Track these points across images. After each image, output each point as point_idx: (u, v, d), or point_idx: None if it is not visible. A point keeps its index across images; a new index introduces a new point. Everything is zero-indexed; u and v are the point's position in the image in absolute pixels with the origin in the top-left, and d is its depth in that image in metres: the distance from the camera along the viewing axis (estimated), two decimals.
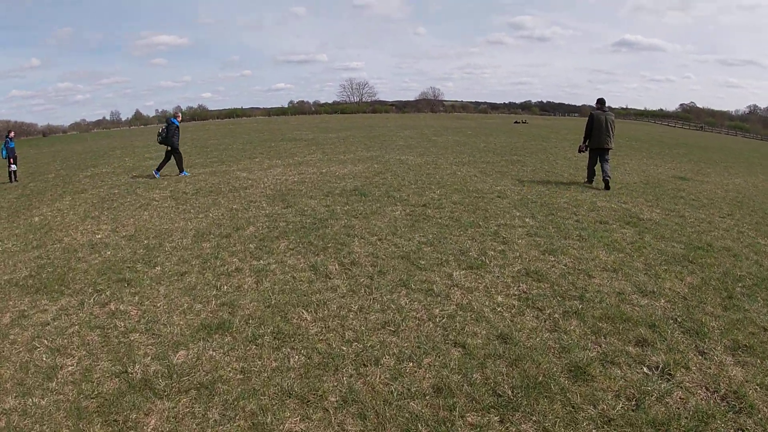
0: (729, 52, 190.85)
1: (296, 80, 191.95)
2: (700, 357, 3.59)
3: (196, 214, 8.13)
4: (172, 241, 6.59)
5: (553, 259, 5.73)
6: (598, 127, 10.34)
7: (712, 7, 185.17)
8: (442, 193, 9.31)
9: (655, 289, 4.83)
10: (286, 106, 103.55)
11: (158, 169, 12.49)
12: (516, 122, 46.90)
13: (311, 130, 31.57)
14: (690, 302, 4.57)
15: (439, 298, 4.55)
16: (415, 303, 4.44)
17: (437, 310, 4.29)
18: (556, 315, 4.26)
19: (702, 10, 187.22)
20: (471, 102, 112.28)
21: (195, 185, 10.95)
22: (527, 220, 7.50)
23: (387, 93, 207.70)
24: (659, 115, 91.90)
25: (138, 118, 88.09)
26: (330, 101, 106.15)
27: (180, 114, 12.78)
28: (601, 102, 10.69)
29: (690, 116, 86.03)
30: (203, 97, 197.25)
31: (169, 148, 12.13)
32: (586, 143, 10.63)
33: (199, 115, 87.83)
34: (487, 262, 5.55)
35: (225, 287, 4.92)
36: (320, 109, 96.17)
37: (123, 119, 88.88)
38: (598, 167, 10.71)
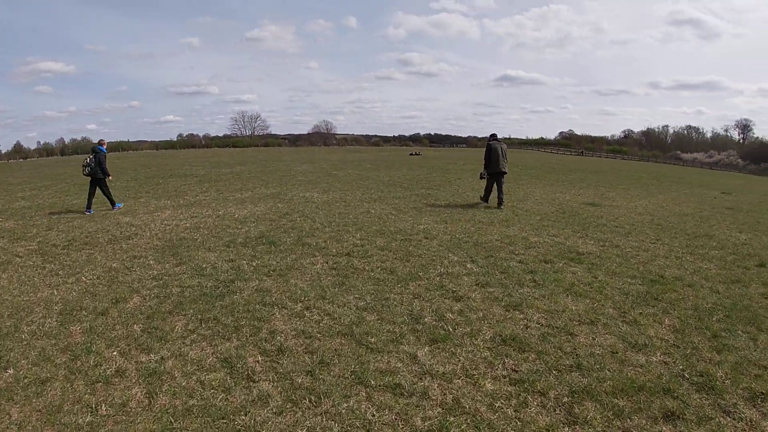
0: (604, 83, 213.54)
1: (186, 112, 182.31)
2: (729, 418, 3.26)
3: (65, 277, 6.15)
4: (32, 322, 4.67)
5: (521, 316, 4.91)
6: (495, 155, 12.25)
7: (587, 43, 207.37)
8: (363, 237, 8.24)
9: (645, 341, 4.38)
10: (175, 139, 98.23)
11: (89, 207, 11.40)
12: (411, 154, 47.70)
13: (202, 165, 28.96)
14: (684, 350, 4.23)
15: (415, 397, 3.37)
16: (386, 412, 3.19)
17: (419, 420, 3.11)
18: (565, 399, 3.40)
19: (579, 46, 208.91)
20: (362, 135, 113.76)
21: (68, 234, 8.75)
22: (468, 265, 6.71)
23: (279, 126, 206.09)
24: (541, 143, 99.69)
25: (18, 151, 77.78)
26: (221, 134, 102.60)
27: (105, 141, 12.00)
28: (494, 135, 12.79)
29: (570, 143, 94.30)
30: (88, 128, 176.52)
31: (99, 177, 11.34)
32: (485, 169, 12.55)
33: (82, 148, 79.56)
34: (451, 330, 4.53)
35: (104, 407, 3.26)
36: (211, 142, 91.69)
37: (3, 151, 78.37)
38: (494, 190, 12.57)
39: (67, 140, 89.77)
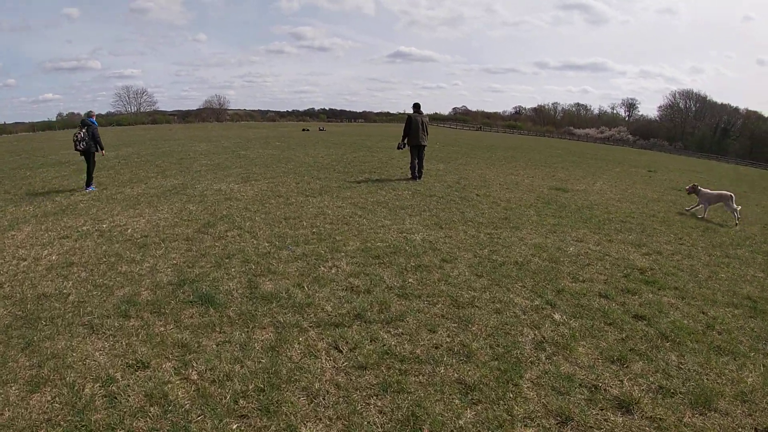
0: (493, 62, 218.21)
1: (66, 90, 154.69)
2: None
3: None
4: None
5: None
6: (415, 128, 11.52)
7: (479, 23, 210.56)
8: (354, 267, 5.18)
9: None
10: (55, 119, 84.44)
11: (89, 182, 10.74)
12: (320, 129, 44.30)
13: None
14: None
15: None
16: None
17: None
18: None
19: (470, 26, 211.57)
20: (255, 110, 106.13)
21: None
22: (556, 315, 4.21)
23: (167, 102, 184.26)
24: (439, 118, 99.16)
25: None
26: (104, 112, 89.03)
27: (94, 113, 11.20)
28: (416, 106, 11.85)
29: (468, 118, 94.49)
30: None
31: (92, 152, 10.59)
32: (404, 141, 11.79)
33: None
34: None
35: None
36: None
37: None
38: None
39: None
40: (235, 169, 13.50)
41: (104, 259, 5.46)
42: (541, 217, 8.27)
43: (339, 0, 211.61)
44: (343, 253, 5.64)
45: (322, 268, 5.11)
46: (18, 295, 4.45)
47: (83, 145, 10.24)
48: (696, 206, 10.12)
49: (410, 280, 4.82)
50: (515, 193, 10.88)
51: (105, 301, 4.28)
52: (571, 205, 9.76)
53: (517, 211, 8.63)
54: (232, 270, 5.05)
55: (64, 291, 4.52)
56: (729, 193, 9.95)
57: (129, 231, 6.71)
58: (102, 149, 10.71)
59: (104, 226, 7.03)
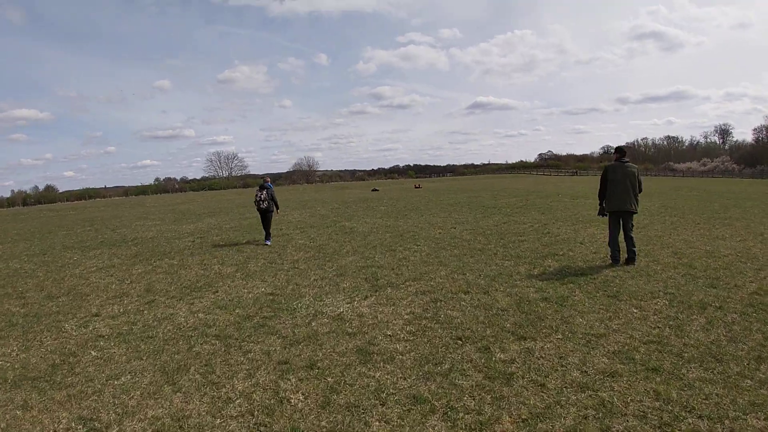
0: (572, 103, 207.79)
1: (163, 156, 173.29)
2: None
3: None
4: None
5: None
6: (613, 184, 7.39)
7: (552, 65, 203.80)
8: None
9: None
10: (152, 183, 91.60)
11: (268, 237, 11.56)
12: (416, 186, 40.86)
13: (163, 218, 20.35)
14: None
15: None
16: None
17: None
18: None
19: (544, 69, 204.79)
20: (343, 171, 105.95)
21: None
22: None
23: (257, 166, 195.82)
24: (527, 166, 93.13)
25: None
26: (198, 177, 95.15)
27: (269, 178, 12.38)
28: (619, 151, 7.66)
29: (560, 163, 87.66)
30: (65, 176, 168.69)
31: (271, 210, 11.46)
32: (603, 204, 7.69)
33: (45, 197, 69.89)
34: None
35: None
36: (186, 186, 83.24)
37: None
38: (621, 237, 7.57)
39: (41, 188, 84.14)
40: (348, 257, 9.18)
41: None
42: None
43: (412, 58, 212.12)
44: None
45: None
46: None
47: (265, 204, 11.12)
48: None
49: None
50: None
51: None
52: None
53: None
54: None
55: None
56: None
57: None
58: (278, 208, 11.70)
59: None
